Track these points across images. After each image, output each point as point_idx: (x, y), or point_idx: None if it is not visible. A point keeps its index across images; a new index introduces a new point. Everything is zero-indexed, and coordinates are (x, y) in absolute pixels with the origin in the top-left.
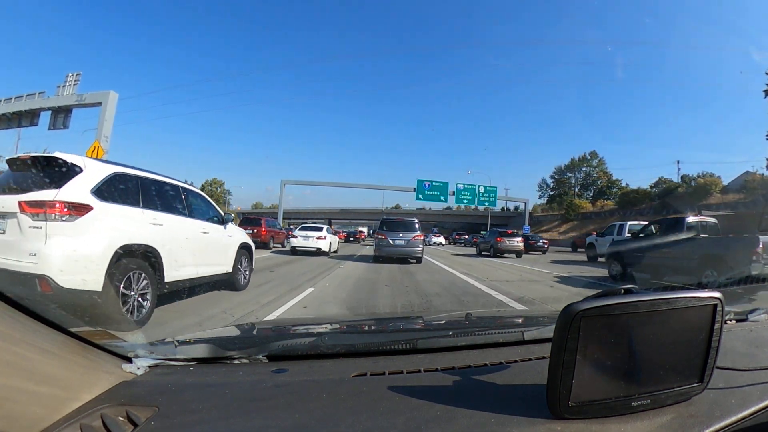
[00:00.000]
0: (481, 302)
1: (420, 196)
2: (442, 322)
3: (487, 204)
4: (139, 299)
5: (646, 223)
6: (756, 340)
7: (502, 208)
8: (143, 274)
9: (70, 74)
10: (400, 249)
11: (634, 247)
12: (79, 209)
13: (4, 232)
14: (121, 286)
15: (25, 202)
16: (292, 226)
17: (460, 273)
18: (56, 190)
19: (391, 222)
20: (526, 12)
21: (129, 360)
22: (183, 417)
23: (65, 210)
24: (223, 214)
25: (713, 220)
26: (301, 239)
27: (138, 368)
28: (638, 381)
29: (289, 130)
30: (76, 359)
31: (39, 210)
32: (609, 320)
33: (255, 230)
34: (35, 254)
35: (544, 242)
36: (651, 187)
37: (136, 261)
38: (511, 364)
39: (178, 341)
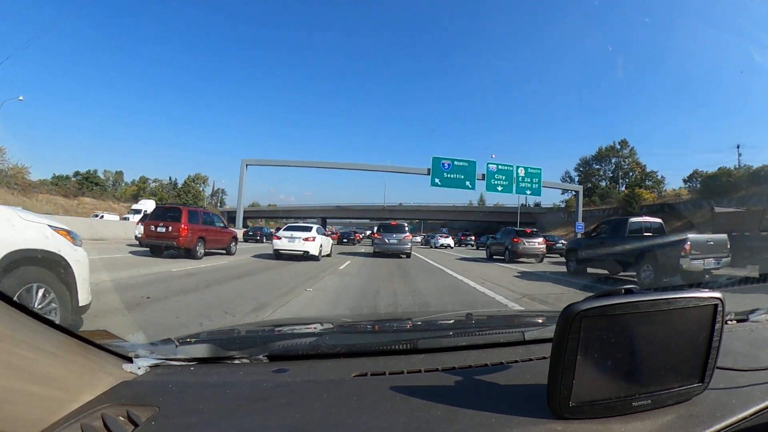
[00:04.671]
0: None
1: (437, 180)
2: (443, 322)
3: (528, 191)
4: None
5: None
6: (757, 340)
7: (522, 205)
8: None
9: None
10: (393, 246)
11: (586, 245)
12: None
13: None
14: None
15: None
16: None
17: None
18: None
19: (386, 225)
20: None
21: (130, 360)
22: (184, 417)
23: None
24: None
25: (658, 220)
26: (285, 241)
27: (139, 368)
28: (639, 381)
29: (286, 132)
30: (76, 359)
31: None
32: (609, 320)
33: (168, 228)
34: None
35: (563, 243)
36: (685, 180)
37: None
38: (512, 365)
39: (178, 341)
